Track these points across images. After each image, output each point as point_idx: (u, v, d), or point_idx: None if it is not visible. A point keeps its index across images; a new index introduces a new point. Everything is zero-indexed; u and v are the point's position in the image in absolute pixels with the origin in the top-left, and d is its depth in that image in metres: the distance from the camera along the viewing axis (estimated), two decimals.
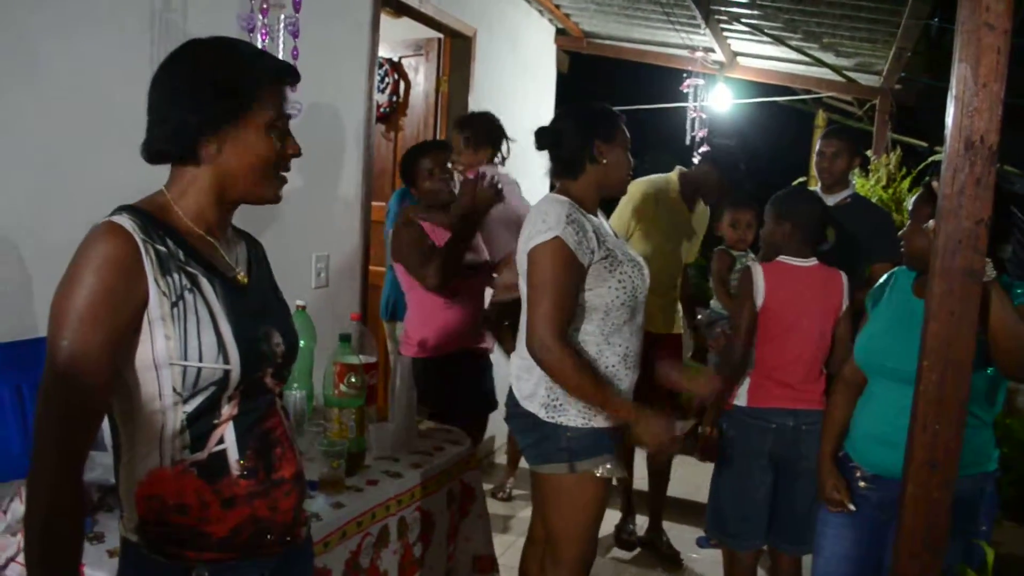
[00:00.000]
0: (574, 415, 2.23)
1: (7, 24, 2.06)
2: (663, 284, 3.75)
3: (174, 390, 1.25)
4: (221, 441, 1.30)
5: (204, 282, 1.29)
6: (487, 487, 4.30)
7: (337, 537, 1.95)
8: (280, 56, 2.34)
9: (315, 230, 3.30)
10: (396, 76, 4.82)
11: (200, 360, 1.25)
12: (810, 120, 7.69)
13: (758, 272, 2.69)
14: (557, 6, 5.25)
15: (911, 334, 1.71)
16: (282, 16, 2.27)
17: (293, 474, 1.40)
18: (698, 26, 4.78)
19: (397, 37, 4.85)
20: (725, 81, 5.77)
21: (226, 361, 1.27)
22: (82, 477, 1.23)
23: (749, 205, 3.48)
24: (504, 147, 3.57)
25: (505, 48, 4.96)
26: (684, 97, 5.54)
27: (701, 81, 5.45)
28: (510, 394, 2.37)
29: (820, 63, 5.21)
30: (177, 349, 1.23)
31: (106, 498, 1.83)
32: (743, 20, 4.67)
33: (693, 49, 5.30)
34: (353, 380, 2.31)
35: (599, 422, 2.23)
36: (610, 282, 2.21)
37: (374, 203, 4.04)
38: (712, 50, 5.36)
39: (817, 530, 2.36)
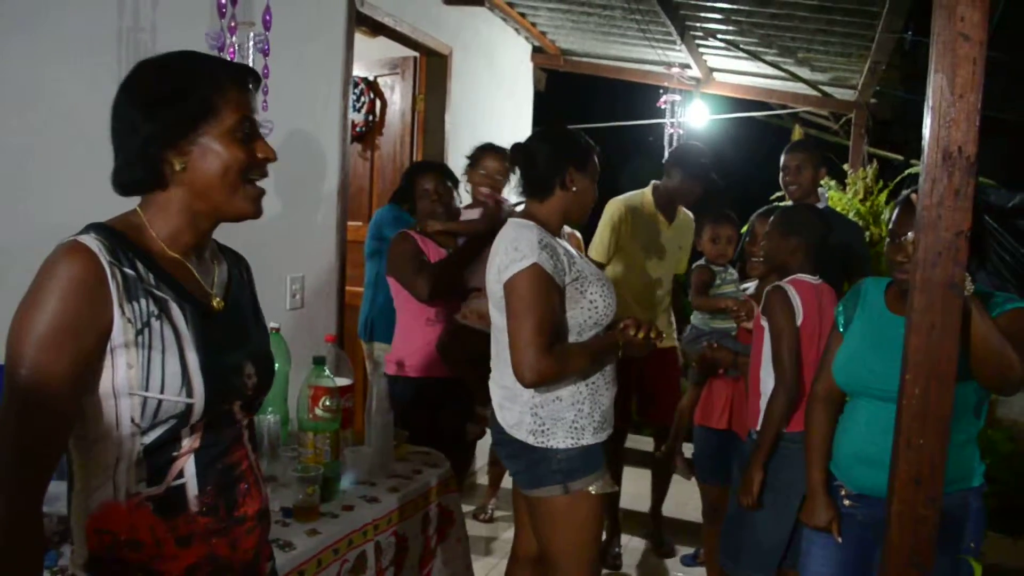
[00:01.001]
0: (562, 436, 2.21)
1: None
2: (647, 299, 3.76)
3: (132, 420, 1.18)
4: (180, 475, 1.23)
5: (174, 308, 1.22)
6: (469, 508, 4.27)
7: (313, 566, 1.90)
8: None
9: (290, 251, 3.25)
10: (372, 95, 4.79)
11: (162, 391, 1.18)
12: (787, 136, 7.73)
13: (794, 293, 2.61)
14: (533, 24, 5.25)
15: (892, 352, 1.67)
16: (251, 34, 2.24)
17: (257, 511, 1.34)
18: (674, 42, 4.79)
19: (372, 56, 4.83)
20: (701, 97, 5.78)
21: (189, 394, 1.20)
22: (41, 511, 1.16)
23: (729, 219, 3.47)
24: None
25: (481, 66, 4.95)
26: (662, 113, 5.55)
27: (677, 97, 5.47)
28: (495, 422, 2.34)
29: (796, 78, 5.23)
30: (138, 378, 1.17)
31: (69, 530, 1.77)
32: (719, 36, 4.68)
33: (669, 65, 5.31)
34: (328, 403, 2.26)
35: (588, 439, 2.23)
36: (582, 303, 2.22)
37: (351, 223, 4.00)
38: (688, 66, 5.38)
39: (803, 548, 2.32)
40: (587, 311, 2.23)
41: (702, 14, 4.40)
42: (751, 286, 3.18)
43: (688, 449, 3.55)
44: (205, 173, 1.24)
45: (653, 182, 3.90)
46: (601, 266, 3.85)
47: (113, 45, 2.38)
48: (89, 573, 1.23)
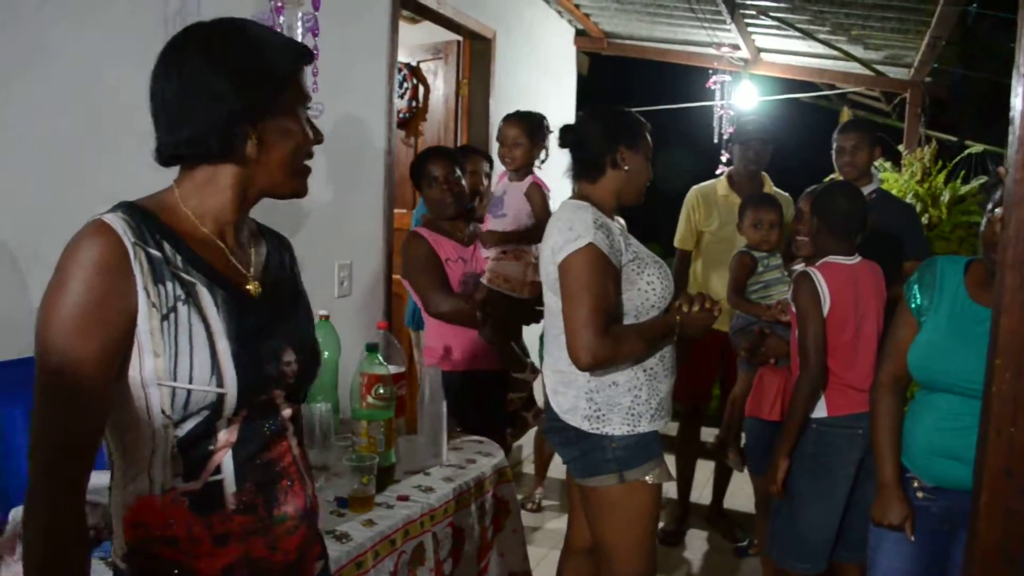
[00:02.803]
0: (618, 423, 2.15)
1: (15, 20, 1.98)
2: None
3: (163, 412, 1.11)
4: (218, 471, 1.16)
5: (203, 292, 1.15)
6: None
7: (370, 558, 1.85)
8: None
9: (337, 238, 3.21)
10: (415, 80, 4.75)
11: (190, 381, 1.11)
12: (836, 118, 7.54)
13: (819, 278, 2.53)
14: (577, 6, 5.16)
15: (980, 348, 1.56)
16: (300, 13, 2.18)
17: (300, 510, 1.26)
18: (724, 21, 4.67)
19: (415, 41, 4.79)
20: (750, 78, 5.64)
21: (220, 384, 1.13)
22: (83, 505, 1.12)
23: (771, 202, 3.35)
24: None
25: (525, 50, 4.88)
26: (708, 96, 5.43)
27: (728, 77, 5.34)
28: (548, 408, 2.29)
29: (848, 57, 5.08)
30: (166, 368, 1.10)
31: None
32: (771, 14, 4.55)
33: (718, 45, 5.19)
34: (381, 391, 2.21)
35: (644, 426, 2.17)
36: (639, 284, 2.16)
37: (397, 210, 3.97)
38: (737, 47, 5.25)
39: (871, 543, 2.22)
40: (644, 293, 2.17)
41: None
42: (800, 267, 3.07)
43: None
44: (279, 150, 1.20)
45: (725, 170, 4.00)
46: (688, 253, 3.97)
47: (160, 30, 2.34)
48: (128, 565, 1.18)
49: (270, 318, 1.24)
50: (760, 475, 3.18)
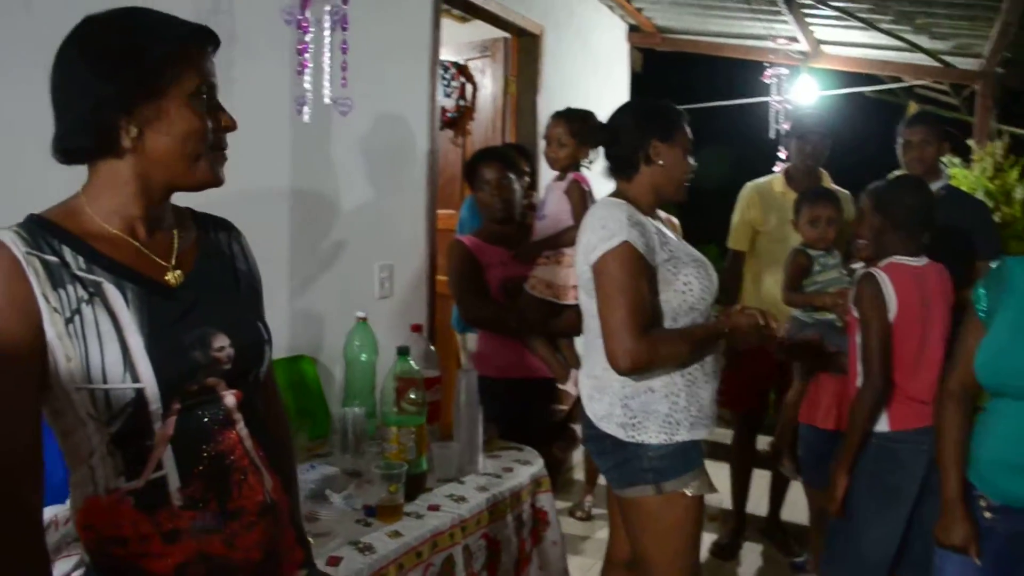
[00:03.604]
0: (655, 431, 2.04)
1: (48, 23, 1.96)
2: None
3: (89, 414, 1.09)
4: (160, 466, 1.13)
5: (111, 289, 1.12)
6: (564, 505, 4.12)
7: (393, 570, 1.78)
8: (328, 51, 2.19)
9: (378, 239, 3.15)
10: (462, 79, 4.68)
11: (104, 381, 1.08)
12: (901, 113, 7.27)
13: (885, 280, 2.38)
14: (628, 0, 5.04)
15: None
16: (328, 7, 2.12)
17: (258, 505, 1.20)
18: (779, 12, 4.51)
19: (463, 39, 4.73)
20: (809, 72, 5.45)
21: (135, 379, 1.09)
22: (37, 531, 1.10)
23: (829, 198, 3.18)
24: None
25: (575, 46, 4.78)
26: (765, 91, 5.26)
27: (785, 71, 5.17)
28: (584, 415, 2.19)
29: (914, 47, 4.86)
30: (79, 371, 1.08)
31: None
32: (830, 3, 4.37)
33: (775, 38, 5.02)
34: (413, 396, 2.13)
35: (683, 434, 2.05)
36: (675, 285, 2.05)
37: (442, 211, 3.91)
38: (795, 39, 5.07)
39: (936, 564, 2.06)
40: (681, 294, 2.05)
41: None
42: (860, 268, 2.91)
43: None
44: (163, 141, 1.14)
45: (784, 162, 3.86)
46: (741, 255, 3.81)
47: None
48: (89, 568, 1.16)
49: (195, 305, 1.20)
50: (815, 487, 3.03)
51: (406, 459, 2.07)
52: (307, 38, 2.09)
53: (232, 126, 1.20)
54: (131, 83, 1.11)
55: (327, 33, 2.16)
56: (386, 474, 1.96)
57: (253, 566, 1.18)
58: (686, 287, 2.05)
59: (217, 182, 1.20)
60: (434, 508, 2.03)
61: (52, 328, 1.07)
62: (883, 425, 2.39)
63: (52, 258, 1.10)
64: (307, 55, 2.09)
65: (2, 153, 1.68)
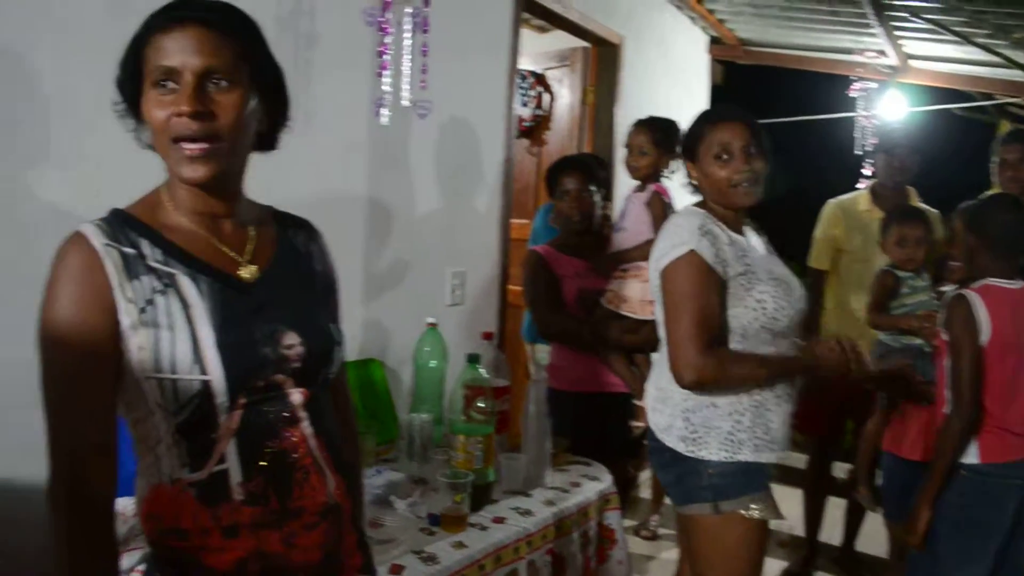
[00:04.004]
0: (716, 447, 1.96)
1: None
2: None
3: (157, 404, 1.10)
4: (223, 460, 1.12)
5: (184, 281, 1.12)
6: (629, 524, 4.03)
7: None
8: (408, 54, 2.17)
9: (451, 245, 3.13)
10: (540, 89, 4.66)
11: (173, 371, 1.08)
12: (991, 132, 6.99)
13: (978, 303, 2.26)
14: (711, 11, 4.96)
15: None
16: (409, 8, 2.11)
17: (320, 505, 1.18)
18: (868, 25, 4.37)
19: (541, 48, 4.71)
20: (898, 87, 5.28)
21: (203, 371, 1.09)
22: (108, 515, 1.11)
23: (918, 217, 3.05)
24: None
25: (655, 57, 4.71)
26: (850, 106, 5.11)
27: (873, 85, 5.01)
28: (647, 427, 2.12)
29: (1010, 63, 4.66)
30: (150, 360, 1.08)
31: None
32: (923, 15, 4.22)
33: (862, 52, 4.87)
34: (482, 404, 2.10)
35: (746, 455, 1.96)
36: (746, 301, 1.96)
37: (515, 220, 3.88)
38: (883, 53, 4.91)
39: None
40: (752, 311, 1.96)
41: None
42: (950, 290, 2.77)
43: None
44: (152, 136, 1.14)
45: (870, 179, 3.72)
46: (823, 274, 3.66)
47: (272, 29, 2.31)
48: (151, 560, 1.16)
49: (268, 302, 1.19)
50: (896, 520, 2.89)
51: (473, 468, 2.03)
52: (387, 40, 2.08)
53: (180, 110, 1.08)
54: (127, 73, 1.13)
55: (407, 35, 2.14)
56: (452, 483, 1.93)
57: (311, 567, 1.17)
58: (758, 304, 1.96)
59: (190, 178, 1.12)
60: (499, 520, 1.99)
61: (127, 318, 1.08)
62: (972, 456, 2.26)
63: (129, 250, 1.11)
64: (387, 57, 2.08)
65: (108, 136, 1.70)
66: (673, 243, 1.97)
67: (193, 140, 1.09)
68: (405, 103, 2.23)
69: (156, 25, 1.10)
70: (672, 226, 2.04)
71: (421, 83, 2.18)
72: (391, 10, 2.07)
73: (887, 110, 5.18)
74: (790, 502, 4.00)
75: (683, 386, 1.94)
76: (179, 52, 1.08)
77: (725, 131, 2.02)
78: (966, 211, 2.58)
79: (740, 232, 2.08)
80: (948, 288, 2.81)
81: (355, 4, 2.33)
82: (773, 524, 2.05)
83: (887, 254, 3.07)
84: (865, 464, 3.08)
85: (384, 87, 2.12)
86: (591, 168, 2.94)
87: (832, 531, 3.89)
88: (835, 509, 3.84)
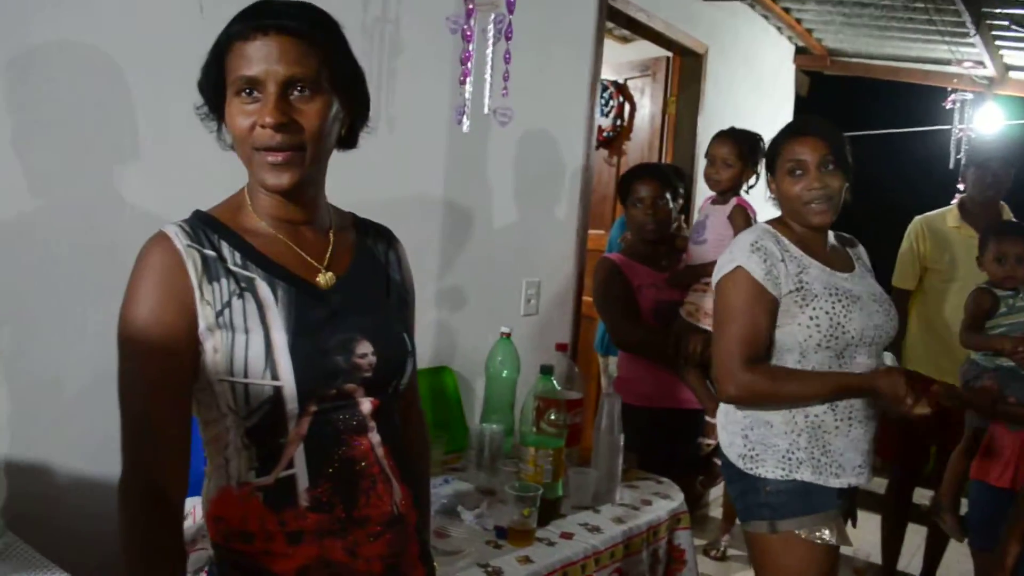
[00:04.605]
0: (772, 465, 1.94)
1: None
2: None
3: (229, 407, 1.10)
4: (290, 465, 1.11)
5: (262, 286, 1.12)
6: (699, 543, 3.95)
7: None
8: (490, 60, 2.17)
9: (526, 254, 3.11)
10: (621, 99, 4.62)
11: (246, 375, 1.08)
12: None
13: None
14: (798, 20, 4.84)
15: None
16: (492, 15, 2.11)
17: (385, 516, 1.17)
18: (967, 33, 4.20)
19: (623, 58, 4.67)
20: (995, 99, 5.06)
21: (275, 376, 1.08)
22: (177, 518, 1.12)
23: (1020, 234, 2.90)
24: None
25: (738, 67, 4.63)
26: (942, 118, 4.92)
27: (969, 96, 4.81)
28: (718, 444, 2.13)
29: None
30: (224, 363, 1.09)
31: None
32: None
33: (958, 62, 4.68)
34: (553, 417, 2.08)
35: (805, 475, 1.92)
36: (799, 318, 1.92)
37: (592, 231, 3.84)
38: (981, 63, 4.72)
39: None
40: (806, 329, 1.91)
41: None
42: None
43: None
44: (235, 142, 1.14)
45: (959, 195, 3.56)
46: (907, 294, 3.54)
47: (358, 38, 2.33)
48: (215, 557, 1.17)
49: (343, 309, 1.18)
50: (983, 550, 2.76)
51: (542, 482, 2.00)
52: (471, 47, 2.07)
53: (263, 121, 1.08)
54: (210, 78, 1.14)
55: (490, 42, 2.14)
56: (520, 496, 1.90)
57: None
58: (812, 322, 1.91)
59: (273, 186, 1.13)
60: (567, 536, 1.96)
61: (203, 320, 1.09)
62: None
63: (210, 252, 1.12)
64: (470, 64, 2.08)
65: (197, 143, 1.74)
66: (726, 259, 1.99)
67: (277, 150, 1.10)
68: (487, 111, 2.23)
69: (238, 32, 1.09)
70: (732, 243, 2.06)
71: (503, 91, 2.17)
72: (474, 17, 2.06)
73: (983, 123, 4.97)
74: (868, 528, 3.87)
75: (724, 400, 1.98)
76: (262, 61, 1.08)
77: (801, 145, 1.98)
78: None
79: (819, 249, 2.02)
80: None
81: (439, 12, 2.34)
82: (848, 550, 1.99)
83: (985, 272, 2.94)
84: (950, 491, 2.95)
85: (466, 95, 2.12)
86: (667, 176, 2.89)
87: (912, 559, 3.75)
88: (915, 536, 3.70)
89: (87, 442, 1.78)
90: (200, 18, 1.89)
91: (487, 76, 2.16)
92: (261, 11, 1.11)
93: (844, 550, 1.98)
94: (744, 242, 1.98)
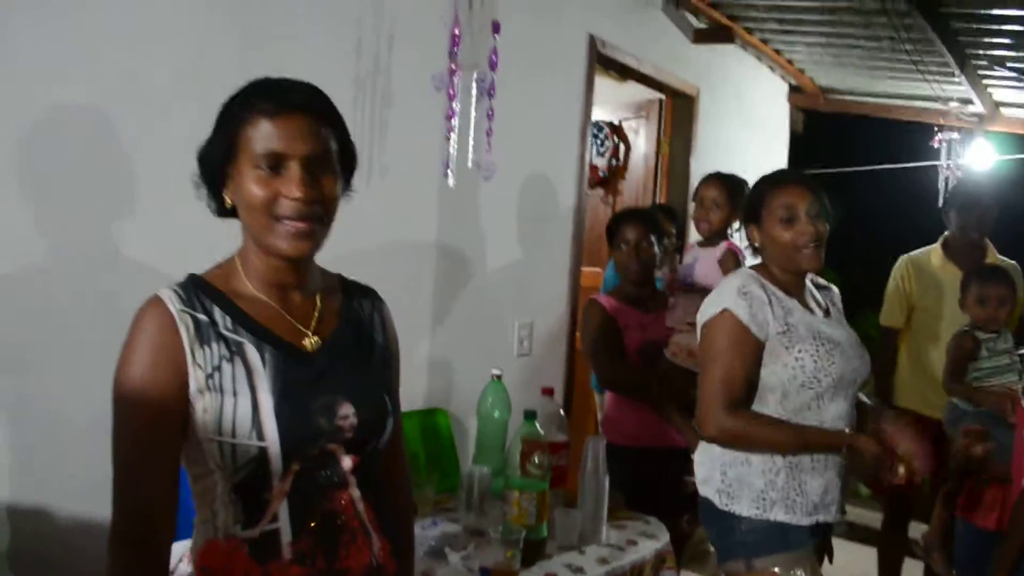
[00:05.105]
0: (747, 503, 1.99)
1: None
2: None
3: (216, 465, 1.16)
4: (275, 519, 1.17)
5: (250, 350, 1.18)
6: None
7: None
8: (473, 117, 2.26)
9: (519, 296, 3.19)
10: (616, 139, 4.73)
11: (233, 436, 1.14)
12: None
13: None
14: (790, 61, 4.94)
15: None
16: (475, 74, 2.20)
17: (364, 566, 1.22)
18: (952, 73, 4.29)
19: (619, 99, 4.77)
20: (986, 136, 5.13)
21: (260, 437, 1.15)
22: (162, 569, 1.17)
23: (1002, 277, 2.95)
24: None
25: (731, 107, 4.72)
26: (936, 155, 4.99)
27: (956, 135, 4.89)
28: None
29: None
30: (213, 423, 1.15)
31: None
32: (1008, 64, 4.12)
33: (946, 100, 4.77)
34: (537, 461, 2.13)
35: (778, 515, 1.97)
36: (784, 359, 1.98)
37: (589, 268, 3.92)
38: (970, 101, 4.80)
39: None
40: (791, 369, 1.97)
41: (986, 39, 3.89)
42: None
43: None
44: (241, 209, 1.21)
45: (944, 234, 3.56)
46: (895, 332, 3.57)
47: (351, 90, 2.42)
48: None
49: (327, 372, 1.24)
50: None
51: (526, 524, 2.05)
52: (454, 105, 2.17)
53: (295, 195, 1.15)
54: (210, 156, 1.21)
55: (474, 100, 2.23)
56: (504, 538, 1.95)
57: None
58: (797, 363, 1.97)
59: (291, 253, 1.20)
60: None
61: (195, 382, 1.15)
62: None
63: (203, 317, 1.18)
64: (454, 120, 2.17)
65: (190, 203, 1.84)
66: (712, 302, 2.04)
67: (301, 220, 1.18)
68: (470, 166, 2.32)
69: (260, 109, 1.17)
70: (720, 286, 2.10)
71: (486, 147, 2.27)
72: (458, 75, 2.16)
73: (975, 159, 5.04)
74: (866, 562, 3.89)
75: (707, 440, 2.04)
76: (287, 138, 1.16)
77: (790, 194, 2.05)
78: None
79: (798, 293, 2.09)
80: None
81: (426, 69, 2.43)
82: None
83: (967, 314, 2.99)
84: (939, 528, 2.98)
85: (451, 150, 2.21)
86: (652, 219, 2.96)
87: None
88: (915, 570, 3.71)
89: (85, 483, 1.84)
90: (195, 87, 1.99)
91: (471, 132, 2.25)
92: (281, 89, 1.20)
93: None
94: (732, 286, 2.03)
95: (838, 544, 4.41)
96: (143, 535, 1.15)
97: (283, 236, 1.18)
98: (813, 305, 2.12)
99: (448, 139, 2.22)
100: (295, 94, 1.19)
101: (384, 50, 2.49)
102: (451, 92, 2.15)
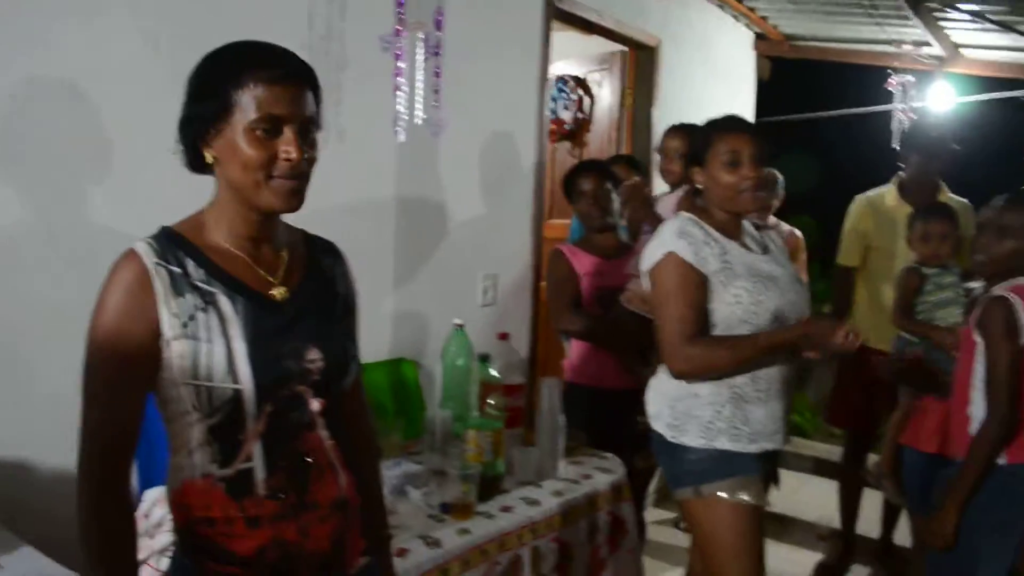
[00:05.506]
0: (694, 434, 2.11)
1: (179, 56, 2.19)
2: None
3: (193, 407, 1.25)
4: (248, 458, 1.27)
5: (223, 300, 1.27)
6: (669, 516, 4.13)
7: (457, 566, 1.89)
8: (422, 75, 2.33)
9: (483, 249, 3.28)
10: (581, 92, 4.77)
11: (209, 380, 1.23)
12: None
13: (1018, 303, 2.25)
14: (752, 9, 4.98)
15: None
16: (422, 34, 2.27)
17: (332, 500, 1.34)
18: (906, 18, 4.34)
19: (585, 53, 4.81)
20: (947, 78, 5.20)
21: (235, 380, 1.24)
22: (128, 505, 1.27)
23: (942, 212, 3.05)
24: None
25: (695, 57, 4.77)
26: (891, 98, 5.06)
27: (911, 78, 4.95)
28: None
29: None
30: (189, 368, 1.23)
31: None
32: (959, 7, 4.18)
33: (899, 43, 4.82)
34: (492, 402, 2.25)
35: (723, 443, 2.09)
36: (724, 297, 2.08)
37: (557, 221, 4.00)
38: (927, 43, 4.86)
39: None
40: (730, 306, 2.08)
41: None
42: (978, 286, 2.77)
43: None
44: (230, 168, 1.26)
45: (898, 174, 3.62)
46: (852, 271, 3.66)
47: (304, 54, 2.48)
48: (178, 540, 1.32)
49: (295, 320, 1.33)
50: (918, 512, 2.92)
51: (482, 461, 2.18)
52: (401, 64, 2.24)
53: (292, 156, 1.25)
54: (197, 116, 1.26)
55: (421, 59, 2.30)
56: (461, 474, 2.08)
57: (321, 554, 1.33)
58: (735, 299, 2.08)
59: (283, 209, 1.29)
60: (507, 509, 2.13)
61: (170, 330, 1.23)
62: (1000, 458, 2.25)
63: (176, 269, 1.26)
64: (401, 79, 2.24)
65: (156, 166, 1.92)
66: (655, 247, 2.13)
67: (295, 178, 1.26)
68: (418, 123, 2.39)
69: (261, 75, 1.24)
70: (658, 231, 2.19)
71: (434, 103, 2.34)
72: (403, 37, 2.22)
73: (935, 101, 5.11)
74: (827, 495, 4.04)
75: (676, 376, 2.09)
76: (286, 104, 1.23)
77: (735, 140, 2.14)
78: (998, 205, 2.54)
79: (735, 235, 2.19)
80: (975, 284, 2.81)
81: (373, 31, 2.50)
82: (813, 517, 2.13)
83: (913, 250, 3.09)
84: (889, 457, 3.11)
85: (398, 107, 2.28)
86: (605, 169, 3.06)
87: (872, 524, 3.91)
88: (875, 501, 3.86)
89: (61, 435, 1.95)
90: (156, 56, 2.06)
91: (419, 90, 2.32)
92: (277, 56, 1.28)
93: (807, 518, 2.14)
94: (671, 230, 2.14)
95: (804, 479, 4.60)
96: (112, 471, 1.24)
97: (277, 193, 1.26)
98: (752, 244, 2.22)
99: (395, 98, 2.29)
100: (291, 62, 1.27)
101: (336, 16, 2.55)
102: (397, 52, 2.22)
